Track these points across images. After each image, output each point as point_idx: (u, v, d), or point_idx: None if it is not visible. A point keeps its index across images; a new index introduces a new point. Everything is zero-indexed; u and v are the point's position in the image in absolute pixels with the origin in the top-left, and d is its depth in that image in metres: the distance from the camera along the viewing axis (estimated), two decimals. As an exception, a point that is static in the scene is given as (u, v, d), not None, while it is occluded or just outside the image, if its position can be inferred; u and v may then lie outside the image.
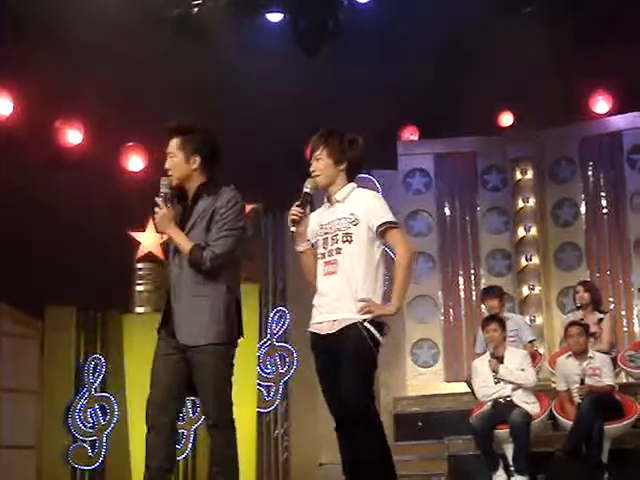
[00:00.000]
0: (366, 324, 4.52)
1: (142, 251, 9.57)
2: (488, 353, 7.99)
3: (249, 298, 9.59)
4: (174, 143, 4.73)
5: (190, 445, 9.83)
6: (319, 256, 4.69)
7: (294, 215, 4.62)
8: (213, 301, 4.66)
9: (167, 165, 4.73)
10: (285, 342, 10.01)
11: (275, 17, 10.02)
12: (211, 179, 4.79)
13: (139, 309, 9.38)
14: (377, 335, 4.56)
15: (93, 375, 9.87)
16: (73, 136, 10.31)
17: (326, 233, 4.67)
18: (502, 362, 7.78)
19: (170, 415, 4.69)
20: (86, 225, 9.23)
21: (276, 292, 10.35)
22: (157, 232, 4.71)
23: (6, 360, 9.13)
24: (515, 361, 7.80)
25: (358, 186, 4.78)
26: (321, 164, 4.70)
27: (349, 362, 4.49)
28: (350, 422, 4.48)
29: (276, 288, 10.36)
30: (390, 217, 4.65)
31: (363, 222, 4.61)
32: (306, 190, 4.66)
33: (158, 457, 4.61)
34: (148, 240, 9.60)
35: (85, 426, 9.74)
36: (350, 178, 4.76)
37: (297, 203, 4.64)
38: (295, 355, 9.94)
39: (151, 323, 9.31)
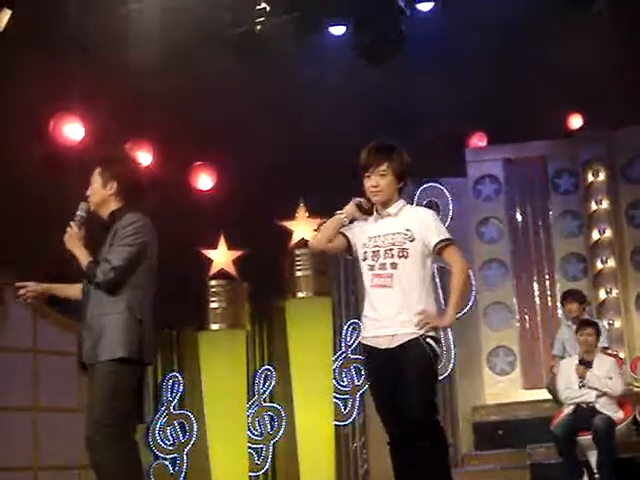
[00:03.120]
0: (428, 340, 4.54)
1: (215, 268, 9.65)
2: (575, 356, 7.87)
3: (322, 312, 9.66)
4: (95, 171, 4.96)
5: (269, 460, 9.88)
6: (366, 267, 4.70)
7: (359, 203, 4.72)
8: (107, 319, 4.74)
9: (88, 191, 4.95)
10: (360, 354, 9.99)
11: (338, 30, 10.03)
12: (128, 205, 4.93)
13: (214, 326, 9.46)
14: (437, 349, 4.59)
15: (171, 393, 9.96)
16: (143, 158, 10.43)
17: (376, 246, 4.67)
18: (591, 367, 7.66)
19: None
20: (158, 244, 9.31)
21: (349, 305, 10.34)
22: (65, 250, 4.85)
23: (85, 380, 9.25)
24: (603, 368, 7.69)
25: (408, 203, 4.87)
26: (384, 181, 4.70)
27: (413, 378, 4.49)
28: (417, 437, 4.47)
29: (348, 301, 10.35)
30: (447, 234, 4.70)
31: (419, 239, 4.64)
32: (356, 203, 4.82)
33: None
34: (220, 257, 9.68)
35: (165, 444, 9.82)
36: (400, 194, 4.80)
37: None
38: (370, 367, 9.91)
39: (226, 340, 9.48)
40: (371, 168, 4.70)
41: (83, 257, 4.79)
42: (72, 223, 4.84)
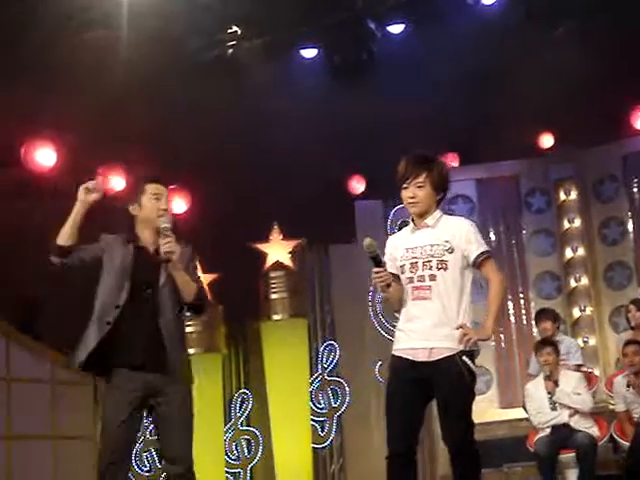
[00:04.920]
0: (464, 357, 4.48)
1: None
2: (541, 376, 7.87)
3: (297, 333, 9.65)
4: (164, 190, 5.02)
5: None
6: (405, 280, 4.61)
7: (382, 280, 4.49)
8: (181, 343, 4.99)
9: (163, 205, 4.94)
10: (336, 376, 9.97)
11: (310, 53, 10.08)
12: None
13: (190, 350, 9.41)
14: (473, 367, 4.52)
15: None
16: (116, 182, 10.40)
17: (414, 257, 4.59)
18: (557, 385, 7.66)
19: None
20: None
21: (325, 326, 10.34)
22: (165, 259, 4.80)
23: (61, 407, 9.18)
24: (570, 384, 7.67)
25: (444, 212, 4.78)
26: (422, 192, 4.63)
27: (451, 395, 4.45)
28: (456, 460, 4.50)
29: (324, 322, 10.35)
30: (486, 247, 4.65)
31: (458, 250, 4.58)
32: (373, 255, 4.50)
33: None
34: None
35: (142, 470, 9.74)
36: (438, 205, 4.74)
37: (375, 270, 4.50)
38: (347, 389, 9.90)
39: (202, 363, 9.44)
40: (409, 179, 4.63)
41: (184, 278, 4.81)
42: (169, 239, 4.77)
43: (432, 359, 4.48)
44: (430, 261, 4.55)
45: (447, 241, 4.57)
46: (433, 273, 4.53)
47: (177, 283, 4.80)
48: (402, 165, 4.68)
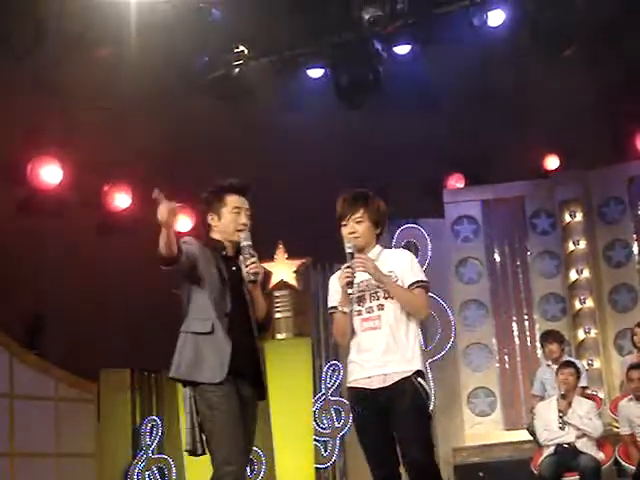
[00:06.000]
0: (419, 379, 4.53)
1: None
2: (554, 398, 7.85)
3: (301, 353, 9.64)
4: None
5: None
6: (354, 313, 4.68)
7: (348, 277, 4.58)
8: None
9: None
10: (340, 396, 9.94)
11: (316, 73, 10.09)
12: None
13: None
14: (427, 388, 4.57)
15: (150, 437, 9.85)
16: (121, 200, 10.41)
17: (361, 291, 4.66)
18: (570, 407, 7.65)
19: None
20: (139, 287, 9.27)
21: (328, 346, 10.32)
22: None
23: (64, 424, 9.18)
24: (583, 410, 7.68)
25: (384, 246, 4.86)
26: (362, 227, 4.72)
27: (409, 417, 4.47)
28: (415, 474, 4.44)
29: (328, 342, 10.33)
30: (421, 276, 4.70)
31: (401, 279, 4.66)
32: (349, 251, 4.64)
33: None
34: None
35: (144, 489, 9.71)
36: (378, 240, 4.81)
37: (346, 265, 4.60)
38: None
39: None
40: (347, 216, 4.73)
41: (261, 298, 4.76)
42: (253, 259, 4.65)
43: (387, 384, 4.54)
44: (377, 292, 4.65)
45: (391, 271, 4.66)
46: (381, 303, 4.63)
47: (255, 301, 4.74)
48: (339, 203, 4.79)
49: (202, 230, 4.93)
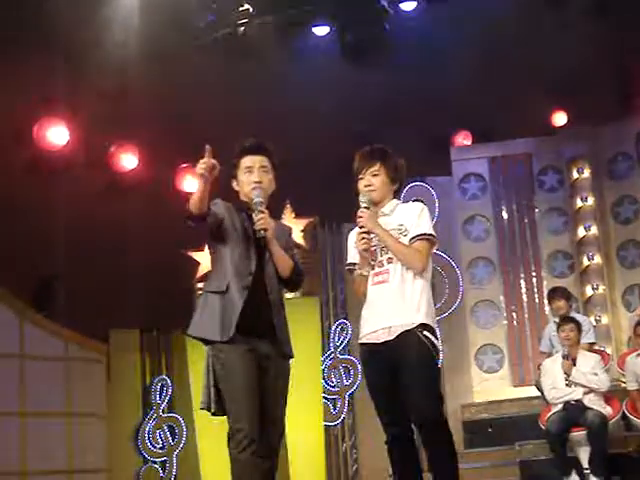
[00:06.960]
0: (425, 332, 4.51)
1: (202, 270, 9.63)
2: (559, 354, 7.87)
3: (309, 312, 9.66)
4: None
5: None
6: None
7: (366, 243, 4.59)
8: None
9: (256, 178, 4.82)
10: (348, 354, 9.99)
11: (322, 30, 10.03)
12: None
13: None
14: (435, 341, 4.55)
15: (160, 396, 9.93)
16: (128, 160, 10.41)
17: (374, 245, 4.66)
18: (574, 364, 7.67)
19: None
20: (146, 248, 9.30)
21: (337, 305, 10.34)
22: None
23: (74, 384, 9.25)
24: (588, 365, 7.69)
25: (402, 201, 4.87)
26: (378, 180, 4.71)
27: (415, 369, 4.46)
28: (426, 436, 4.47)
29: (336, 301, 10.35)
30: (425, 229, 4.66)
31: (409, 232, 4.66)
32: (365, 205, 4.65)
33: None
34: (207, 259, 9.62)
35: (155, 447, 9.79)
36: (395, 196, 4.82)
37: (362, 209, 4.62)
38: (359, 367, 9.91)
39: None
40: (363, 169, 4.72)
41: (280, 253, 4.76)
42: (262, 215, 4.64)
43: (392, 337, 4.53)
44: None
45: (401, 224, 4.66)
46: (390, 256, 4.62)
47: (274, 258, 4.75)
48: (357, 158, 4.79)
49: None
